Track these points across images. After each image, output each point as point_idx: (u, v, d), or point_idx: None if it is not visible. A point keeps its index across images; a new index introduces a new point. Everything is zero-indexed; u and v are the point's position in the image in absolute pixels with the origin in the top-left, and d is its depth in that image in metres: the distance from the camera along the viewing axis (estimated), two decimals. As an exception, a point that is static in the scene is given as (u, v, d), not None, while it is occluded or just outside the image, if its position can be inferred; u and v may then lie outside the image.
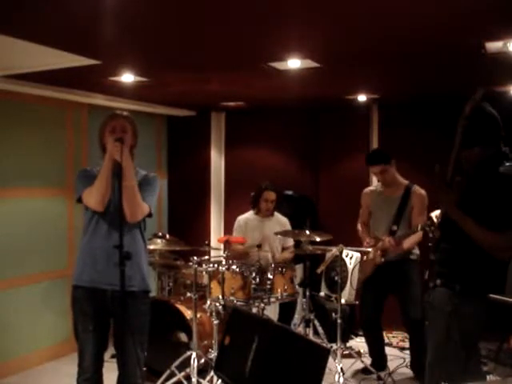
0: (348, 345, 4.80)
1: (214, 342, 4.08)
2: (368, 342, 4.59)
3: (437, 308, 2.55)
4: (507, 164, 2.53)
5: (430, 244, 2.82)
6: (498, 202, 2.48)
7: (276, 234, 4.77)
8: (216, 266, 4.08)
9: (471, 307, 2.49)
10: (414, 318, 4.19)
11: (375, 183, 5.11)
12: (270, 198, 4.86)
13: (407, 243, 4.17)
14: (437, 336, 2.53)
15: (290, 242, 5.03)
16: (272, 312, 4.67)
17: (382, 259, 4.21)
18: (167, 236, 4.88)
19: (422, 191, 4.30)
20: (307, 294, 4.57)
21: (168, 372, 4.01)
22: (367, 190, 4.64)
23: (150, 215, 3.00)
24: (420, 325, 4.20)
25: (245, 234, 4.89)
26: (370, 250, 4.27)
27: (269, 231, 4.89)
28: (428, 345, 2.60)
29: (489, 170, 2.54)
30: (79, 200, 2.95)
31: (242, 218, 5.02)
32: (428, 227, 2.90)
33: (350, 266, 4.70)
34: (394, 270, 4.26)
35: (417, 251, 4.34)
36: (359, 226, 4.61)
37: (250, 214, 5.01)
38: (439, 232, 2.71)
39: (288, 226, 5.02)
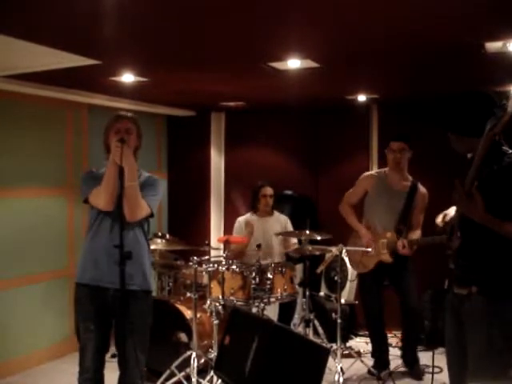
0: (348, 345, 4.79)
1: (213, 342, 4.08)
2: (373, 339, 4.59)
3: (477, 320, 2.46)
4: None
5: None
6: None
7: (277, 234, 4.80)
8: (216, 265, 4.07)
9: None
10: (413, 306, 4.31)
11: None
12: (268, 193, 4.96)
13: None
14: (478, 347, 2.46)
15: (293, 239, 5.05)
16: (272, 312, 4.66)
17: (390, 259, 4.28)
18: (167, 236, 4.88)
19: (425, 190, 4.39)
20: (307, 293, 4.56)
21: (168, 372, 4.00)
22: (368, 173, 4.59)
23: (151, 215, 3.02)
24: (417, 312, 4.31)
25: (245, 235, 4.90)
26: (369, 249, 4.27)
27: (269, 230, 4.91)
28: (468, 353, 2.50)
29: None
30: (85, 201, 2.98)
31: (241, 218, 5.06)
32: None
33: (349, 266, 4.70)
34: (392, 264, 4.31)
35: None
36: (345, 208, 4.56)
37: (249, 215, 5.05)
38: (459, 240, 2.56)
39: (289, 224, 5.06)
